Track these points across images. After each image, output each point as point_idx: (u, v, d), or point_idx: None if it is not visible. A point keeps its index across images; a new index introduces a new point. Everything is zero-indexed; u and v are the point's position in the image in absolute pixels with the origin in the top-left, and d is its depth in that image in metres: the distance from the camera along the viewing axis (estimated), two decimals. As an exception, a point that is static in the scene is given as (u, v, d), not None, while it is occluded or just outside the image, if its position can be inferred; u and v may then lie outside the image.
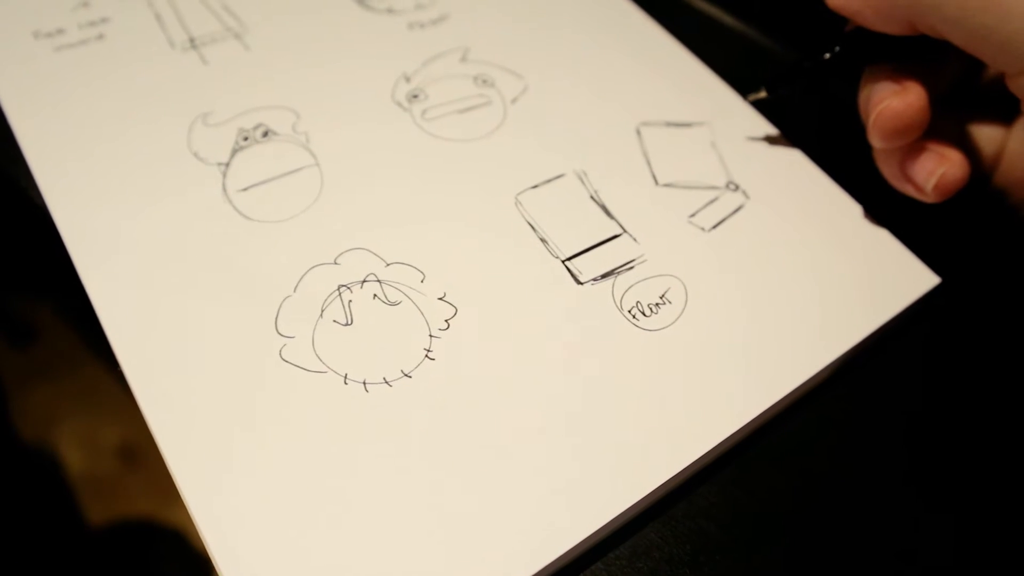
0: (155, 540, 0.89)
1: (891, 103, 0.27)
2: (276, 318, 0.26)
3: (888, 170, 0.30)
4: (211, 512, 0.22)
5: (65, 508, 0.90)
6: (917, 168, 0.29)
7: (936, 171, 0.28)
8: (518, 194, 0.30)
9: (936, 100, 0.28)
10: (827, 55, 0.30)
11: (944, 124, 0.29)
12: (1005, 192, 0.28)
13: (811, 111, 0.37)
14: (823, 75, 0.30)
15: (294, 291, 0.27)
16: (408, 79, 0.33)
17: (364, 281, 0.27)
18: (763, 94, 0.32)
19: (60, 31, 0.33)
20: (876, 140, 0.28)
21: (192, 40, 0.33)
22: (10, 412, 0.92)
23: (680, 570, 0.25)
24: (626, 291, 0.28)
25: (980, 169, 0.29)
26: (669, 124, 0.33)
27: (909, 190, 0.29)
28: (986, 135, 0.29)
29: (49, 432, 0.95)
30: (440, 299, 0.27)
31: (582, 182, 0.31)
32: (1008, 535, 0.27)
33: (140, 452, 0.94)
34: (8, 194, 0.33)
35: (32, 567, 0.85)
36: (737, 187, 0.32)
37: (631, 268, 0.29)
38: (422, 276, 0.28)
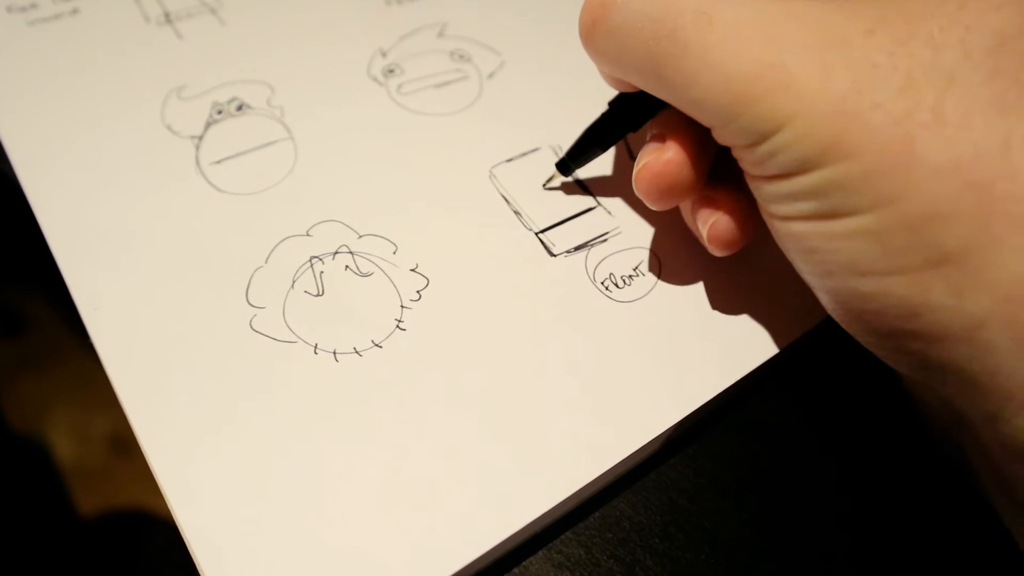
0: (147, 529, 0.89)
1: (648, 163, 0.25)
2: (247, 289, 0.26)
3: (685, 219, 0.28)
4: (181, 483, 0.22)
5: (56, 498, 0.90)
6: (698, 219, 0.26)
7: (708, 221, 0.26)
8: (492, 167, 0.30)
9: (709, 153, 0.26)
10: (595, 122, 0.28)
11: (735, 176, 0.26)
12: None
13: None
14: (609, 139, 0.28)
15: (265, 262, 0.27)
16: (384, 54, 0.33)
17: (336, 252, 0.27)
18: (559, 179, 0.30)
19: (34, 5, 0.32)
20: (645, 201, 0.26)
21: (167, 15, 0.33)
22: (1, 402, 0.92)
23: (650, 540, 0.25)
24: (599, 263, 0.28)
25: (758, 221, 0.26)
26: (646, 99, 0.33)
27: (702, 242, 0.27)
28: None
29: (40, 422, 0.95)
30: (412, 270, 0.27)
31: (557, 156, 0.31)
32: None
33: (131, 442, 0.93)
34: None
35: (24, 557, 0.85)
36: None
37: (605, 240, 0.29)
38: (394, 248, 0.27)
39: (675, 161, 0.25)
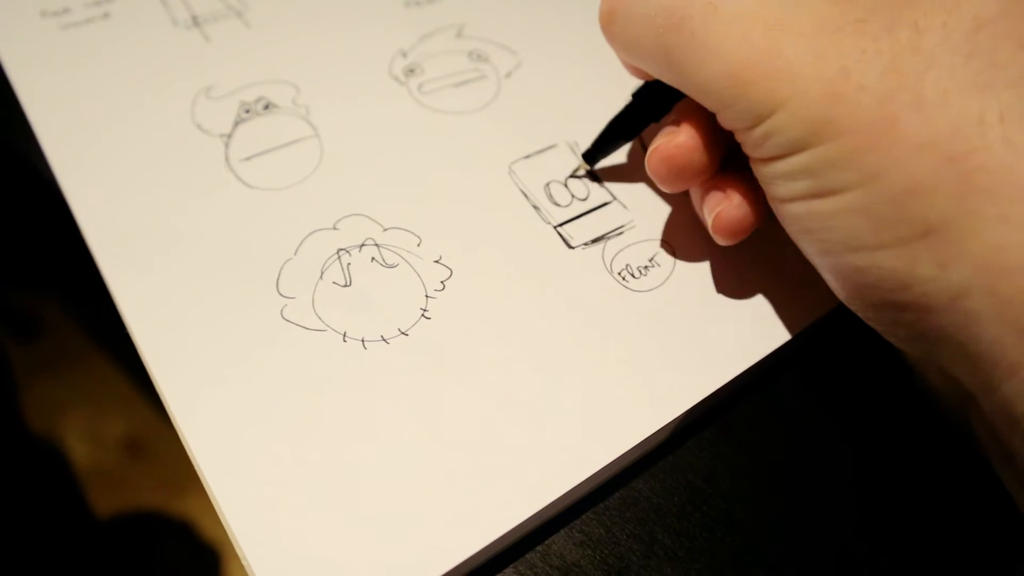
0: (161, 531, 0.90)
1: (660, 145, 0.27)
2: (277, 280, 0.27)
3: (695, 206, 0.29)
4: (220, 469, 0.23)
5: (71, 500, 0.91)
6: (705, 207, 0.28)
7: (715, 209, 0.27)
8: (511, 163, 0.31)
9: (721, 142, 0.27)
10: (619, 113, 0.30)
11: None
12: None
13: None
14: (632, 130, 0.30)
15: (295, 254, 0.28)
16: (405, 54, 0.34)
17: (362, 245, 0.28)
18: (584, 168, 0.31)
19: (66, 10, 0.34)
20: (656, 181, 0.28)
21: (195, 18, 0.34)
22: (16, 405, 0.93)
23: (668, 519, 0.26)
24: (616, 255, 0.29)
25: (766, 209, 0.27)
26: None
27: (706, 227, 0.28)
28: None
29: (55, 425, 0.95)
30: (436, 262, 0.28)
31: (573, 152, 0.32)
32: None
33: (145, 444, 0.95)
34: (19, 173, 0.34)
35: (40, 559, 0.85)
36: (725, 157, 0.33)
37: (621, 233, 0.30)
38: (418, 240, 0.28)
39: (686, 145, 0.26)
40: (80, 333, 0.99)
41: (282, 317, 0.26)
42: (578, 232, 0.30)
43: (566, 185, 0.31)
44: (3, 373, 0.93)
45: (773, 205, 0.25)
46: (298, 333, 0.26)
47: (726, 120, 0.24)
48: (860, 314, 0.25)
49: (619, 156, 0.32)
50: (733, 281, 0.29)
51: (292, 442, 0.24)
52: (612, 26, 0.26)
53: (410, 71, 0.34)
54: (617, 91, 0.34)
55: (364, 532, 0.22)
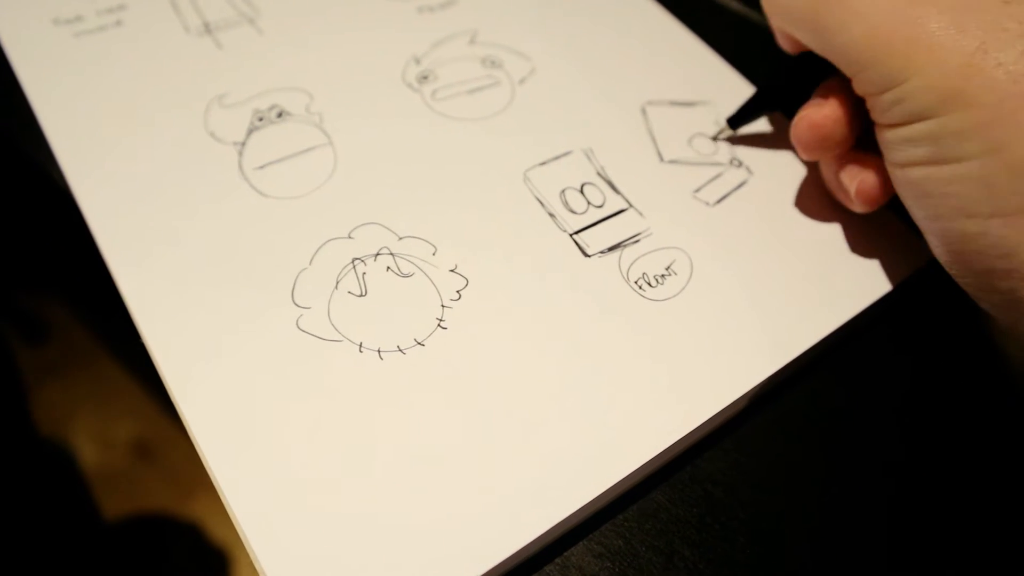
0: (170, 533, 0.90)
1: (807, 114, 0.29)
2: (293, 290, 0.27)
3: (826, 178, 0.31)
4: (235, 479, 0.23)
5: (80, 503, 0.91)
6: (844, 176, 0.29)
7: (856, 178, 0.29)
8: (526, 171, 0.31)
9: (861, 121, 0.29)
10: (774, 85, 0.32)
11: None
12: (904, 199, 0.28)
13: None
14: (778, 103, 0.32)
15: (309, 264, 0.27)
16: (418, 61, 0.34)
17: (377, 254, 0.28)
18: (728, 131, 0.33)
19: (79, 18, 0.33)
20: (798, 149, 0.30)
21: (207, 25, 0.34)
22: (26, 408, 0.93)
23: (686, 530, 0.26)
24: (632, 263, 0.29)
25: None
26: (673, 103, 0.34)
27: (842, 198, 0.30)
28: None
29: (64, 427, 0.96)
30: (451, 271, 0.28)
31: (589, 159, 0.32)
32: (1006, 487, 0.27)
33: (154, 447, 0.95)
34: (29, 182, 0.33)
35: (49, 561, 0.85)
36: (740, 163, 0.32)
37: (637, 241, 0.30)
38: (434, 249, 0.28)
39: (832, 117, 0.29)
40: (89, 336, 1.00)
41: (298, 327, 0.26)
42: (594, 240, 0.29)
43: (582, 191, 0.31)
44: (13, 376, 0.93)
45: (890, 170, 0.27)
46: (314, 343, 0.26)
47: (860, 84, 0.26)
48: (957, 279, 0.26)
49: (635, 164, 0.32)
50: (750, 290, 0.29)
51: (307, 451, 0.24)
52: None
53: (423, 78, 0.33)
54: (633, 96, 0.34)
55: (379, 542, 0.22)
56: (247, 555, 0.23)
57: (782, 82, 0.32)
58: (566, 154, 0.32)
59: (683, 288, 0.28)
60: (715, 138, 0.33)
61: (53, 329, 1.00)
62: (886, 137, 0.26)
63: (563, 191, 0.31)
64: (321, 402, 0.25)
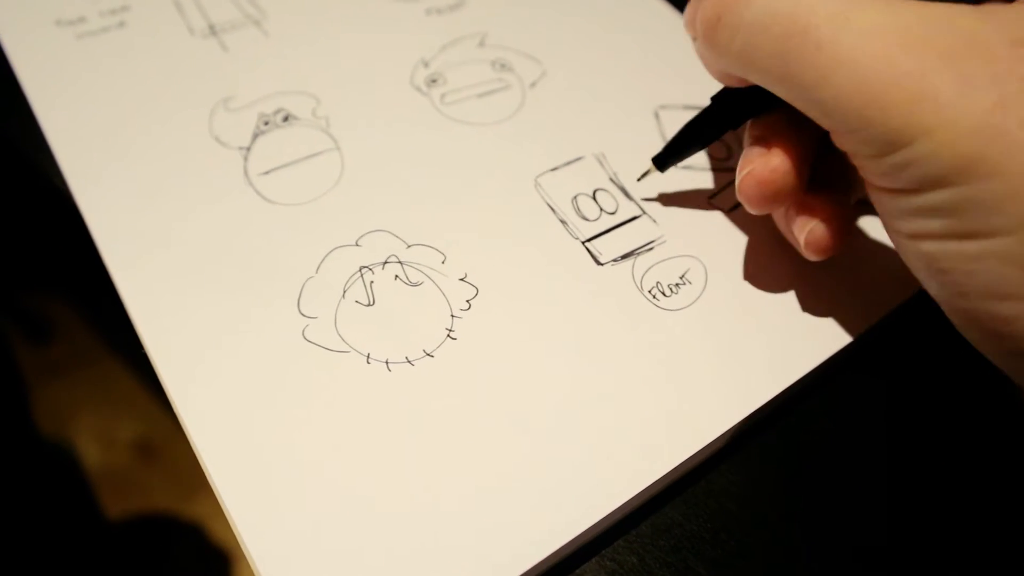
0: (172, 534, 0.90)
1: (754, 169, 0.25)
2: (299, 299, 0.26)
3: (776, 221, 0.29)
4: (237, 490, 0.23)
5: (82, 503, 0.91)
6: (795, 224, 0.26)
7: (805, 228, 0.26)
8: (537, 176, 0.30)
9: (810, 159, 0.26)
10: (696, 117, 0.28)
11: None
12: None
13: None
14: (708, 136, 0.28)
15: (316, 272, 0.27)
16: (426, 64, 0.33)
17: (385, 262, 0.27)
18: (654, 174, 0.30)
19: (82, 19, 0.33)
20: (745, 207, 0.26)
21: (212, 27, 0.34)
22: (28, 408, 0.93)
23: (701, 546, 0.25)
24: (646, 272, 0.28)
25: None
26: (687, 107, 0.33)
27: (794, 245, 0.27)
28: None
29: (66, 428, 0.95)
30: (461, 280, 0.27)
31: (601, 164, 0.31)
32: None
33: (156, 447, 0.95)
34: (32, 183, 0.33)
35: (51, 561, 0.85)
36: (755, 169, 0.32)
37: (651, 249, 0.29)
38: (443, 257, 0.28)
39: (781, 169, 0.25)
40: (92, 336, 0.99)
41: (304, 337, 0.25)
42: (607, 247, 0.29)
43: (595, 197, 0.30)
44: (15, 376, 0.93)
45: (895, 239, 0.23)
46: (320, 354, 0.25)
47: (848, 143, 0.22)
48: (993, 359, 0.23)
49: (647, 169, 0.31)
50: (766, 300, 0.28)
51: (311, 463, 0.23)
52: (718, 34, 0.24)
53: (432, 81, 0.33)
54: (646, 100, 0.33)
55: (382, 555, 0.22)
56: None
57: (717, 116, 0.28)
58: (578, 159, 0.31)
59: (698, 297, 0.28)
60: (640, 179, 0.30)
61: (56, 329, 1.00)
62: (887, 204, 0.23)
63: (575, 197, 0.30)
64: (327, 413, 0.24)
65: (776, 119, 0.26)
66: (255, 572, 0.22)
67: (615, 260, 0.28)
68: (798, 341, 0.27)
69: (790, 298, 0.28)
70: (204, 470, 0.23)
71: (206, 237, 0.27)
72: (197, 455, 0.24)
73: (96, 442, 0.96)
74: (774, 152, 0.25)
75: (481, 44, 0.35)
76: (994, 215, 0.19)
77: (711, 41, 0.24)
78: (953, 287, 0.22)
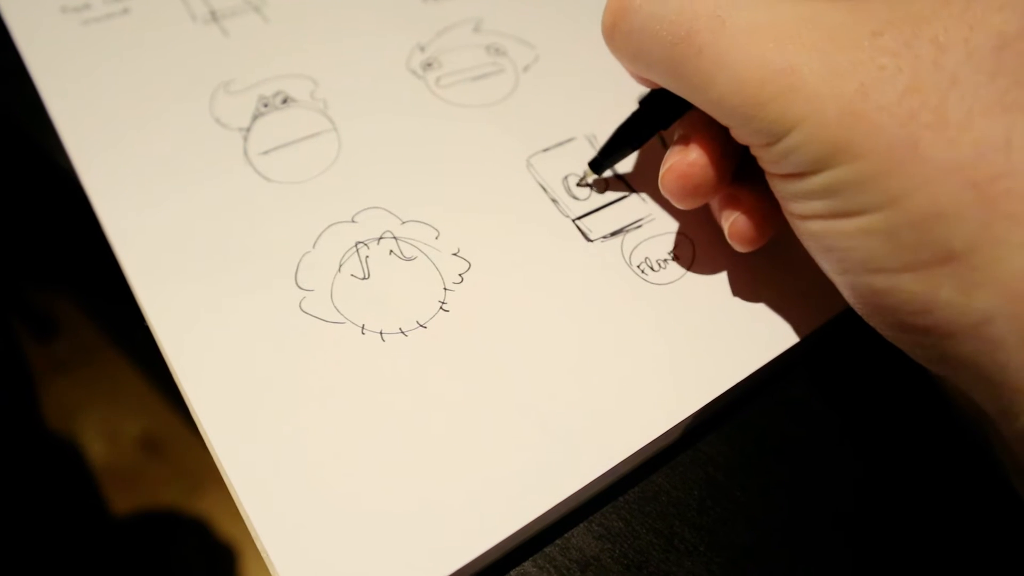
0: (178, 529, 0.90)
1: (673, 164, 0.26)
2: (296, 272, 0.27)
3: (712, 210, 0.29)
4: (239, 458, 0.23)
5: (88, 499, 0.92)
6: (721, 216, 0.28)
7: (729, 219, 0.27)
8: (529, 157, 0.31)
9: (733, 153, 0.27)
10: (626, 121, 0.29)
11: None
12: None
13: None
14: (640, 138, 0.29)
15: (313, 247, 0.28)
16: (423, 49, 0.34)
17: (380, 238, 0.28)
18: (591, 176, 0.31)
19: (86, 5, 0.34)
20: (671, 201, 0.27)
21: (213, 13, 0.34)
22: (34, 404, 0.94)
23: (687, 513, 0.26)
24: (635, 248, 0.29)
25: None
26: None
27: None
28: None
29: (72, 423, 0.96)
30: (454, 255, 0.28)
31: (592, 145, 0.32)
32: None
33: (162, 443, 0.95)
34: (38, 169, 0.34)
35: (57, 557, 0.86)
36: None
37: (639, 226, 0.30)
38: (436, 233, 0.28)
39: (699, 163, 0.26)
40: (97, 332, 1.00)
41: (300, 309, 0.26)
42: (596, 225, 0.29)
43: (583, 184, 0.31)
44: (21, 372, 0.94)
45: (791, 220, 0.25)
46: (316, 325, 0.26)
47: (741, 136, 0.24)
48: (882, 332, 0.24)
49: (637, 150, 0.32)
50: (752, 276, 0.29)
51: (310, 435, 0.24)
52: (614, 40, 0.26)
53: (428, 65, 0.34)
54: (634, 84, 0.34)
55: (382, 525, 0.22)
56: (255, 550, 0.23)
57: (645, 118, 0.29)
58: (569, 140, 0.32)
59: (685, 272, 0.29)
60: (580, 184, 0.31)
61: (62, 325, 1.01)
62: (780, 188, 0.24)
63: (566, 177, 0.31)
64: (324, 383, 0.25)
65: (695, 116, 0.27)
66: (261, 550, 0.22)
67: (604, 237, 0.29)
68: (782, 316, 0.28)
69: (775, 274, 0.29)
70: (208, 446, 0.24)
71: (207, 215, 0.28)
72: (201, 431, 0.24)
73: (102, 438, 0.96)
74: (692, 147, 0.26)
75: (476, 29, 0.35)
76: (862, 194, 0.21)
77: (611, 46, 0.26)
78: (838, 263, 0.23)
